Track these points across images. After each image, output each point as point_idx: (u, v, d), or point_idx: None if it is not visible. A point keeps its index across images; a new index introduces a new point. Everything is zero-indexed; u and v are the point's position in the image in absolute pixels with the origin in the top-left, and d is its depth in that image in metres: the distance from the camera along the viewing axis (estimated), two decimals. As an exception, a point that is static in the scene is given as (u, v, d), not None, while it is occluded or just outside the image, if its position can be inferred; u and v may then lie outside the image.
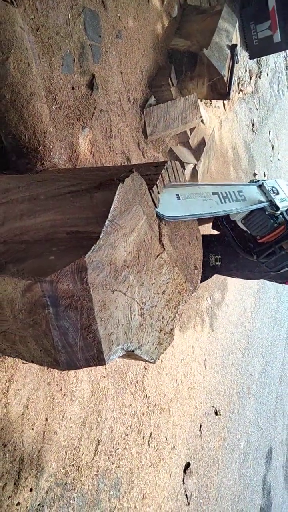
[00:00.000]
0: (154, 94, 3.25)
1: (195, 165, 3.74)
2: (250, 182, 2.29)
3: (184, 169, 3.56)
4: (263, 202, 2.12)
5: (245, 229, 2.28)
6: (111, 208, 1.07)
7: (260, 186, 2.19)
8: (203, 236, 2.56)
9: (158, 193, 1.38)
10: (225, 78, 3.49)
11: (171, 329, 1.40)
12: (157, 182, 1.38)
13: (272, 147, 7.12)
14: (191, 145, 3.79)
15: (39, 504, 1.94)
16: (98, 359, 1.06)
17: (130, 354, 1.23)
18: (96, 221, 1.07)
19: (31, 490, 1.90)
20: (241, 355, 4.90)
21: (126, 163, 2.91)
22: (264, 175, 6.49)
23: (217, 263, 2.41)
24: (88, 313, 1.02)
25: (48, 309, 0.98)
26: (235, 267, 2.42)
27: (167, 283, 1.37)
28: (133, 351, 1.20)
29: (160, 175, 1.43)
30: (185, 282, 1.48)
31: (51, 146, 1.85)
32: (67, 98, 2.35)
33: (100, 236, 1.03)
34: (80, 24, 2.43)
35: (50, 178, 1.29)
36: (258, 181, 2.24)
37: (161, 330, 1.34)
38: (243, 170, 5.56)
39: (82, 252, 0.99)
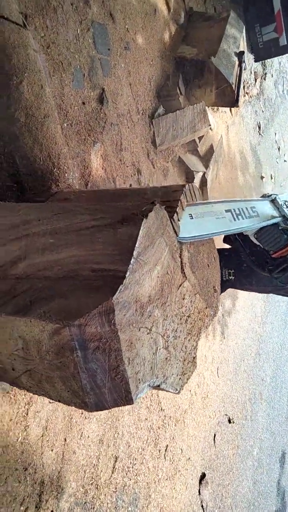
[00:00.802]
0: (163, 103, 3.23)
1: (204, 173, 3.72)
2: (262, 196, 2.27)
3: (194, 178, 3.54)
4: (276, 217, 2.09)
5: (257, 243, 2.25)
6: (136, 245, 1.06)
7: (273, 201, 2.17)
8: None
9: (178, 220, 1.36)
10: (233, 86, 3.47)
11: (194, 357, 1.39)
12: (177, 210, 1.36)
13: (278, 149, 7.08)
14: (199, 153, 3.77)
15: (60, 526, 1.94)
16: (126, 399, 1.05)
17: (154, 388, 1.22)
18: (121, 259, 1.05)
19: (52, 512, 1.90)
20: (252, 361, 4.88)
21: (136, 175, 2.89)
22: (271, 178, 6.46)
23: (230, 277, 2.39)
24: (116, 354, 1.01)
25: (77, 352, 0.97)
26: (249, 281, 2.39)
27: (190, 311, 1.35)
28: (158, 385, 1.18)
29: (179, 201, 1.42)
30: (206, 307, 1.46)
31: (65, 167, 1.84)
32: (78, 114, 2.33)
33: (126, 275, 1.02)
34: (90, 39, 2.41)
35: (70, 209, 1.28)
36: (271, 195, 2.21)
37: (184, 360, 1.33)
38: (250, 174, 5.53)
39: (109, 293, 0.98)
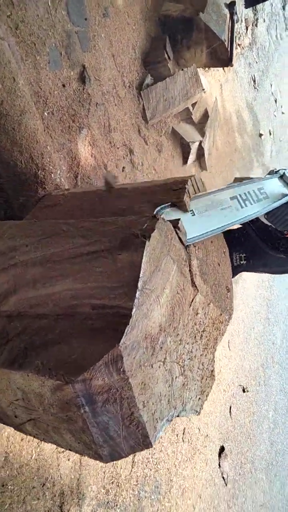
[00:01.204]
0: (150, 72, 2.97)
1: (201, 142, 3.49)
2: (269, 173, 2.09)
3: (190, 149, 3.33)
4: (287, 194, 1.93)
5: (269, 224, 2.09)
6: (140, 274, 0.93)
7: (282, 177, 1.99)
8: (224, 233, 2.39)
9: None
10: (226, 43, 3.17)
11: (212, 371, 1.29)
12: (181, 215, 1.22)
13: (275, 101, 6.72)
14: (194, 120, 3.53)
15: (85, 531, 1.93)
16: (144, 444, 0.95)
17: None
18: (124, 292, 0.92)
19: (75, 520, 1.88)
20: (262, 327, 4.85)
21: (129, 156, 2.69)
22: (270, 134, 6.17)
23: (242, 262, 2.24)
24: (128, 401, 0.90)
25: (84, 408, 0.87)
26: (262, 264, 2.25)
27: (204, 325, 1.24)
28: (177, 415, 1.09)
29: (183, 202, 1.27)
30: (221, 314, 1.34)
31: (50, 167, 1.67)
32: (58, 99, 2.11)
33: (132, 313, 0.89)
34: (63, 10, 2.15)
35: (60, 230, 1.13)
36: (278, 171, 2.03)
37: (202, 378, 1.23)
38: (248, 134, 5.26)
39: (114, 338, 0.86)
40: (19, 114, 1.54)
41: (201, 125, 3.63)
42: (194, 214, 1.37)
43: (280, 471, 4.64)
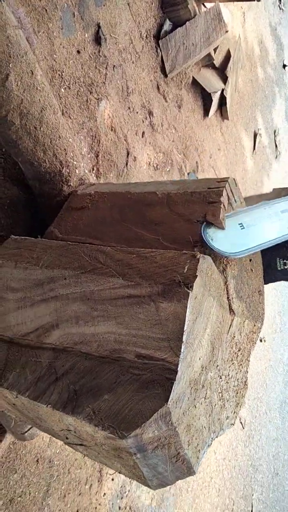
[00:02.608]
0: (169, 15, 2.66)
1: (223, 90, 3.23)
2: None
3: (212, 100, 3.09)
4: None
5: None
6: (184, 327, 0.93)
7: None
8: None
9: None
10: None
11: (245, 381, 1.34)
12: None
13: (301, 20, 6.04)
14: (215, 64, 3.23)
15: (121, 487, 2.17)
16: (188, 473, 1.03)
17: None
18: (170, 346, 0.93)
19: (112, 479, 2.10)
20: (280, 273, 4.89)
21: (148, 119, 2.53)
22: (294, 62, 5.64)
23: (286, 267, 2.17)
24: (175, 444, 0.96)
25: (136, 455, 0.93)
26: None
27: (240, 344, 1.26)
28: (217, 437, 1.16)
29: (219, 221, 1.22)
30: (254, 325, 1.36)
31: (74, 162, 1.59)
32: (74, 69, 1.94)
33: (178, 369, 0.91)
34: None
35: (97, 263, 1.11)
36: None
37: (237, 393, 1.28)
38: (271, 65, 4.83)
39: (163, 396, 0.89)
40: (40, 110, 1.42)
41: (222, 69, 3.33)
42: (243, 227, 1.31)
43: (292, 405, 4.99)
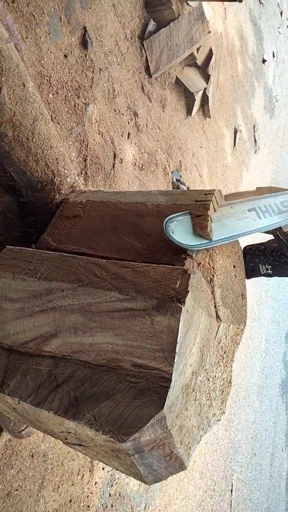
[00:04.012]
0: (153, 16, 2.69)
1: (205, 89, 3.29)
2: None
3: (195, 100, 3.15)
4: None
5: None
6: (178, 339, 1.01)
7: None
8: (251, 246, 2.40)
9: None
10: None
11: (230, 380, 1.45)
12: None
13: (281, 14, 6.12)
14: (198, 64, 3.28)
15: (111, 475, 2.28)
16: (180, 469, 1.13)
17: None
18: (164, 356, 1.02)
19: (103, 469, 2.21)
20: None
21: (134, 120, 2.57)
22: (274, 56, 5.73)
23: (268, 272, 2.30)
24: (169, 445, 1.05)
25: (134, 456, 1.02)
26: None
27: (226, 347, 1.36)
28: (205, 433, 1.26)
29: (207, 233, 1.30)
30: (238, 327, 1.46)
31: (66, 171, 1.64)
32: (61, 74, 1.97)
33: (172, 377, 1.00)
34: None
35: (93, 276, 1.18)
36: None
37: (223, 391, 1.39)
38: (250, 57, 4.89)
39: (158, 402, 0.98)
40: (32, 122, 1.46)
41: (205, 67, 3.38)
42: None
43: (269, 391, 5.23)
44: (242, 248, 1.83)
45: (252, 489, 4.75)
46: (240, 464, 4.41)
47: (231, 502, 4.07)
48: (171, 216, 1.27)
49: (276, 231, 2.08)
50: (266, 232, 2.20)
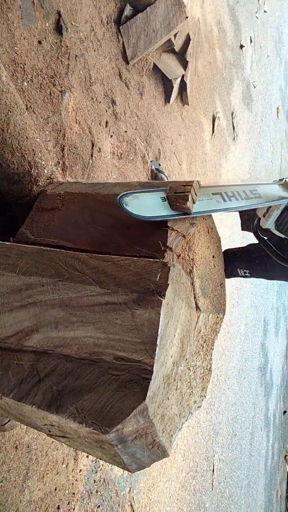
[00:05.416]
0: (129, 0, 2.63)
1: (183, 76, 3.27)
2: (273, 182, 2.03)
3: (173, 87, 3.13)
4: (285, 198, 1.88)
5: (283, 236, 2.08)
6: (158, 332, 1.03)
7: (283, 184, 1.93)
8: (228, 250, 2.43)
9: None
10: None
11: (209, 368, 1.48)
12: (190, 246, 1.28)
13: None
14: (176, 50, 3.25)
15: (95, 462, 2.32)
16: (163, 456, 1.16)
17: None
18: (145, 348, 1.03)
19: (87, 456, 2.25)
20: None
21: (111, 108, 2.54)
22: (251, 41, 5.72)
23: (246, 274, 2.34)
24: (152, 434, 1.08)
25: (117, 446, 1.04)
26: (269, 276, 2.33)
27: (205, 336, 1.39)
28: (186, 420, 1.30)
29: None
30: (217, 316, 1.49)
31: (43, 162, 1.61)
32: (36, 61, 1.92)
33: (154, 369, 1.02)
34: None
35: (74, 270, 1.17)
36: (283, 179, 1.97)
37: (203, 379, 1.42)
38: (229, 47, 4.88)
39: (140, 394, 1.00)
40: (6, 112, 1.42)
41: (183, 53, 3.35)
42: (164, 200, 1.37)
43: (248, 373, 5.37)
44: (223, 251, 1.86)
45: (233, 468, 4.91)
46: (221, 445, 4.54)
47: (212, 481, 4.20)
48: (127, 192, 1.28)
49: (256, 230, 2.10)
50: (247, 230, 2.23)
